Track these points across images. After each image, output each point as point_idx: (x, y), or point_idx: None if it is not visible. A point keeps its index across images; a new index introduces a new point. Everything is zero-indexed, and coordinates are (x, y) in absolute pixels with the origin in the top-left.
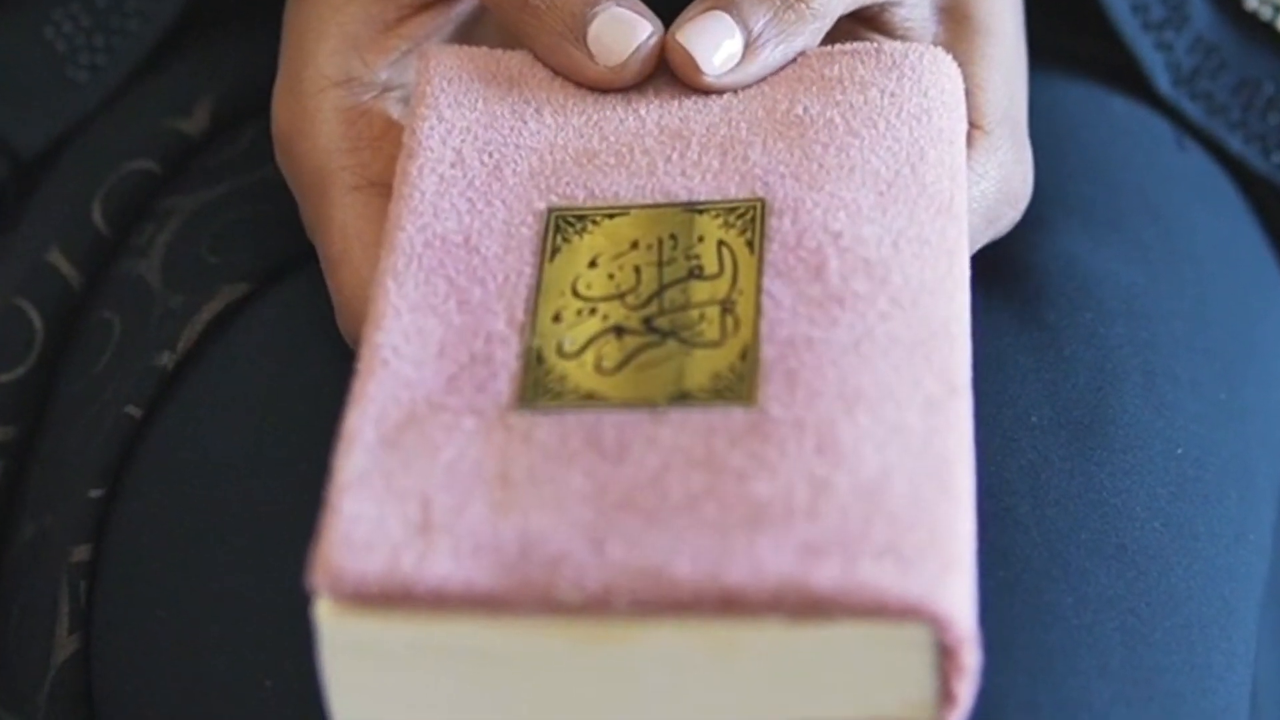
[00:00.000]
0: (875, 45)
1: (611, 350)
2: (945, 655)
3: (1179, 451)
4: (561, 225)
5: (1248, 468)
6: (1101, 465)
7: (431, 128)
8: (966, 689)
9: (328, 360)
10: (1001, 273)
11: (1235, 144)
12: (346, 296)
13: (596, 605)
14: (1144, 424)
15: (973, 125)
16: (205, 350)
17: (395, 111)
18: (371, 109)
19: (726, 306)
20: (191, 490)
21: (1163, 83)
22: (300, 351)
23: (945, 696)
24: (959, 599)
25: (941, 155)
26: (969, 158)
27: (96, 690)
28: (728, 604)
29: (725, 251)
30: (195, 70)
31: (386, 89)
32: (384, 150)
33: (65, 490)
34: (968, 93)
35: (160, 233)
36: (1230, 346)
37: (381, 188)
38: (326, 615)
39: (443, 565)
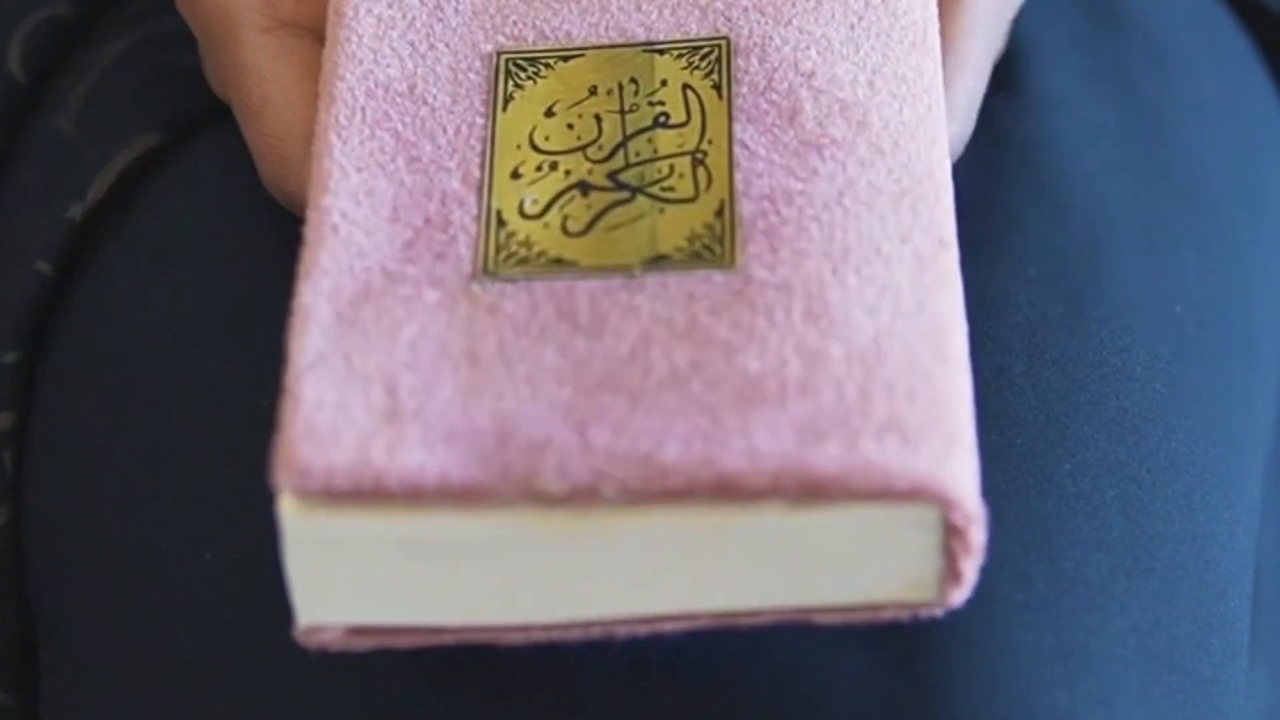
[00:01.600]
0: None
1: (578, 210)
2: (952, 534)
3: (1178, 310)
4: (512, 70)
5: (1252, 329)
6: (1101, 323)
7: None
8: (973, 567)
9: (252, 214)
10: (992, 116)
11: None
12: (271, 144)
13: (583, 496)
14: (1144, 281)
15: None
16: (121, 204)
17: None
18: None
19: (698, 158)
20: (121, 352)
21: None
22: (223, 206)
23: (951, 575)
24: (965, 475)
25: None
26: None
27: (29, 563)
28: (723, 490)
29: (691, 96)
30: None
31: None
32: None
33: None
34: None
35: (78, 84)
36: (1235, 203)
37: (294, 28)
38: (292, 512)
39: (415, 455)
